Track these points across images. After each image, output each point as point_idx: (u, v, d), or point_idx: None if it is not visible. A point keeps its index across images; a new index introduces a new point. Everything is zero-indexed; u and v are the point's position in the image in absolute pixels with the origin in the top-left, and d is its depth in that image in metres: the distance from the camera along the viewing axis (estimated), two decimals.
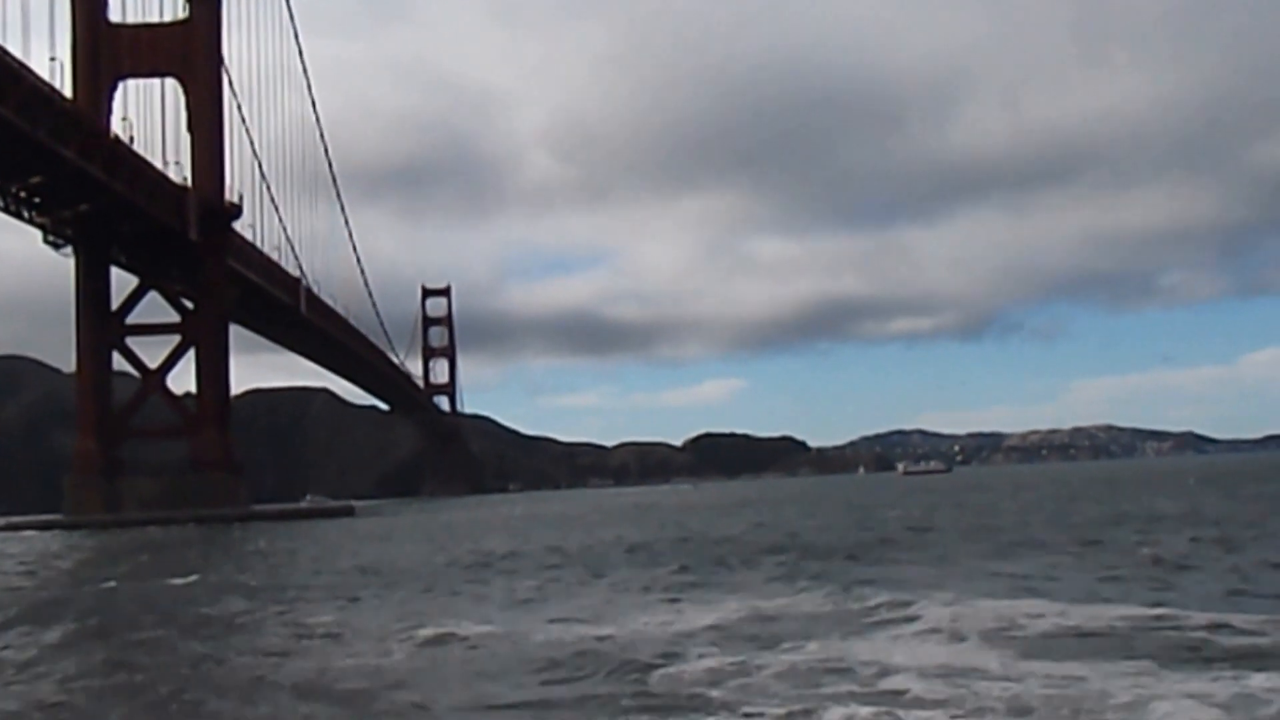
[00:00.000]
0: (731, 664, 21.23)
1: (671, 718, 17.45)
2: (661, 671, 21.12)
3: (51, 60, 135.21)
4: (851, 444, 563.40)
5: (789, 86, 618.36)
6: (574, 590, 38.49)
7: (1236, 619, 23.46)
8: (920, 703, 17.33)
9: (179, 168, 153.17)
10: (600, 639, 25.57)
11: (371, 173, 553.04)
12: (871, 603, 29.23)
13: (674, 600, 33.27)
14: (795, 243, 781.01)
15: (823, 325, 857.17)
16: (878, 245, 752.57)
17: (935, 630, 24.34)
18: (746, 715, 17.18)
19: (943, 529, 63.33)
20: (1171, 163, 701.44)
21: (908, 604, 28.21)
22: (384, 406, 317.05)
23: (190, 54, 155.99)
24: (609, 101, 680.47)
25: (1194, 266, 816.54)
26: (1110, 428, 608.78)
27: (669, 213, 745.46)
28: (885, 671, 19.78)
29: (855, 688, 18.70)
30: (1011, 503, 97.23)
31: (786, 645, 23.11)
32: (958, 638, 23.24)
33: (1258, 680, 17.53)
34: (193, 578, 51.06)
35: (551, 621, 29.31)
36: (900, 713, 16.64)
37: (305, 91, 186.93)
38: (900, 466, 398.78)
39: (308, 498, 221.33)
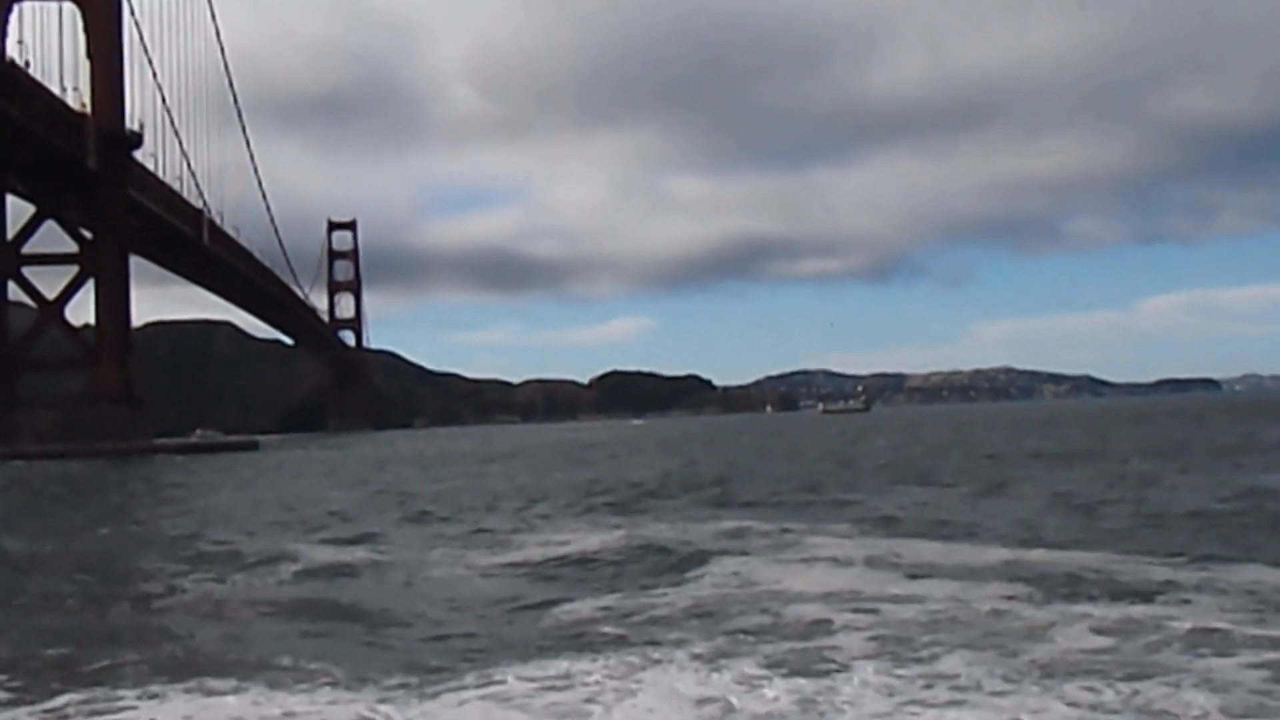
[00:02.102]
0: None
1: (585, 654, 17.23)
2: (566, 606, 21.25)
3: None
4: (757, 383, 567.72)
5: (712, 25, 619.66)
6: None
7: (1120, 558, 24.00)
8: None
9: (78, 94, 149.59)
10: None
11: (290, 103, 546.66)
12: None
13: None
14: (712, 182, 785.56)
15: (735, 265, 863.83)
16: (793, 186, 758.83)
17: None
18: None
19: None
20: (1084, 110, 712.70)
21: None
22: (288, 341, 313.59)
23: None
24: (531, 34, 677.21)
25: (1100, 213, 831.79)
26: (1009, 370, 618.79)
27: (587, 149, 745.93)
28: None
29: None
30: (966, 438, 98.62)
31: None
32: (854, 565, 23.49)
33: (1140, 610, 17.98)
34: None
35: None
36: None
37: (210, 18, 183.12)
38: (820, 405, 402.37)
39: (198, 432, 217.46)
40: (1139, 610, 17.94)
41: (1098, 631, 16.61)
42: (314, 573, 27.19)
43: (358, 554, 30.10)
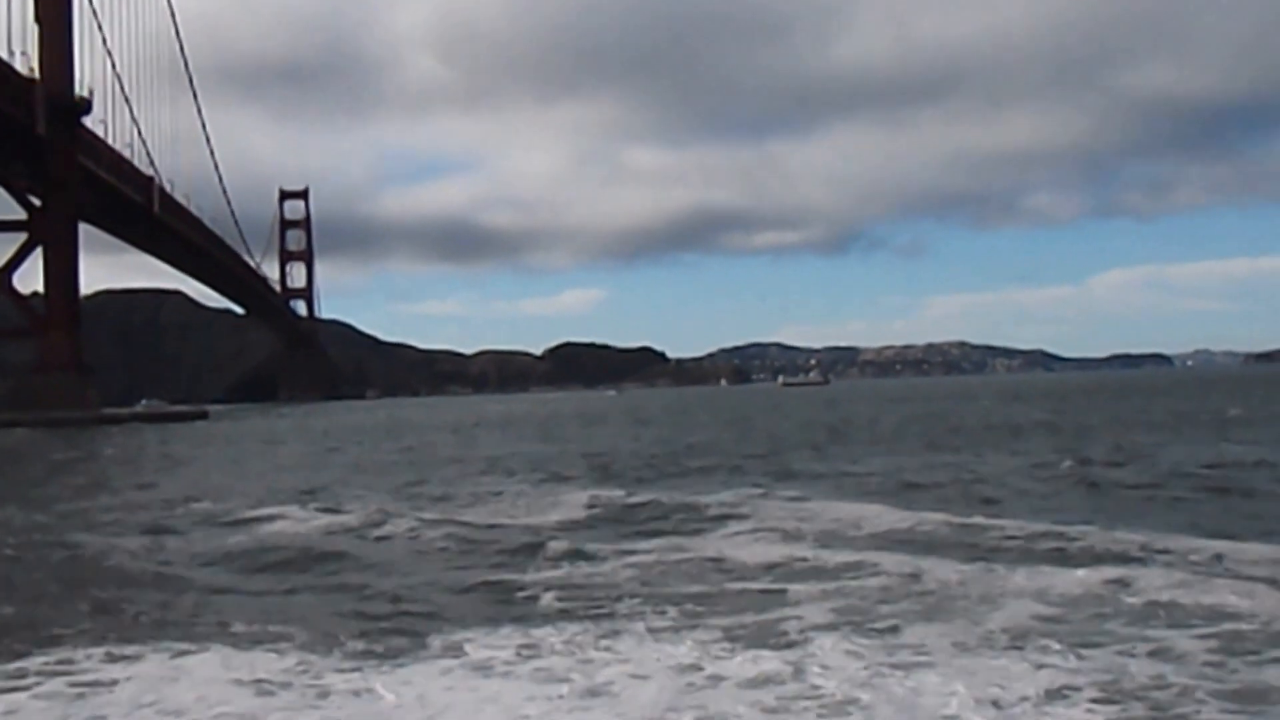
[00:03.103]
0: None
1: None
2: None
3: None
4: (710, 356, 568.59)
5: None
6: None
7: (1071, 528, 24.33)
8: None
9: (26, 59, 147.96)
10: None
11: (250, 71, 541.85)
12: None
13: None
14: (671, 153, 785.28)
15: (691, 237, 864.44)
16: (752, 158, 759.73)
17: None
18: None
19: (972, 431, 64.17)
20: (1046, 84, 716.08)
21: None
22: (239, 310, 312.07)
23: None
24: (492, 3, 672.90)
25: (1058, 188, 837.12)
26: (963, 344, 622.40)
27: (547, 119, 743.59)
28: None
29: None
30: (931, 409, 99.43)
31: None
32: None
33: (1082, 574, 18.48)
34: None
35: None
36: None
37: None
38: (780, 379, 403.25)
39: (143, 402, 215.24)
40: (1093, 578, 18.23)
41: (1052, 601, 16.89)
42: (274, 537, 27.49)
43: (320, 520, 30.30)
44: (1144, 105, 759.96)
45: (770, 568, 20.82)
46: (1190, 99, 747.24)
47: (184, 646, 15.69)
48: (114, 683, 14.02)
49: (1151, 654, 13.93)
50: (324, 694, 13.33)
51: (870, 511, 27.76)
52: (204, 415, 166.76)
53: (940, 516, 26.35)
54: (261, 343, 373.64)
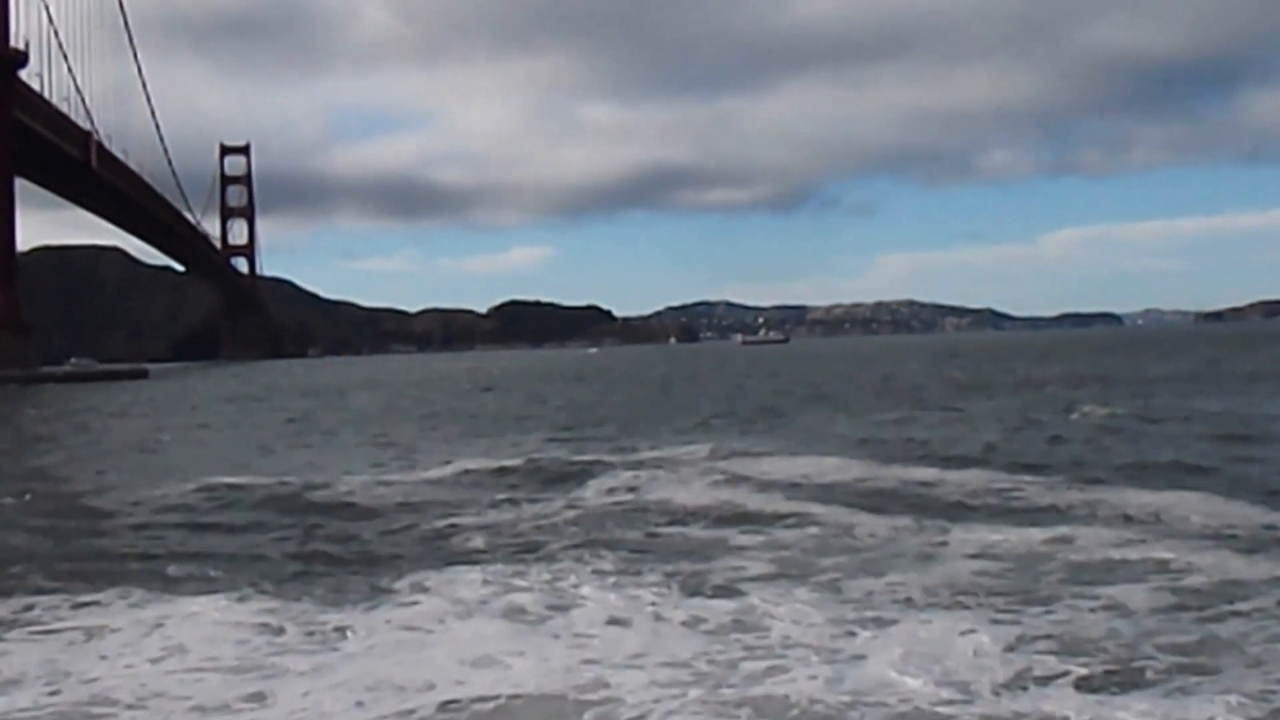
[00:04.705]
0: None
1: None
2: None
3: None
4: (657, 314, 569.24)
5: None
6: None
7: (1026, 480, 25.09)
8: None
9: None
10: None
11: (199, 23, 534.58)
12: None
13: None
14: (624, 110, 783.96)
15: (642, 194, 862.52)
16: (705, 115, 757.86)
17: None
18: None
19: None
20: (1003, 42, 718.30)
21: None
22: (179, 267, 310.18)
23: None
24: None
25: (1012, 146, 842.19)
26: (912, 303, 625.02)
27: (500, 74, 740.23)
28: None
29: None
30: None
31: None
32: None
33: (1036, 533, 18.67)
34: None
35: None
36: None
37: None
38: (740, 337, 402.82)
39: (71, 360, 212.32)
40: (1038, 533, 18.54)
41: (1000, 556, 17.15)
42: (232, 490, 27.80)
43: (271, 476, 30.22)
44: (1102, 63, 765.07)
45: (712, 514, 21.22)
46: (1148, 57, 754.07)
47: (177, 589, 16.52)
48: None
49: (1102, 609, 13.98)
50: (308, 635, 13.76)
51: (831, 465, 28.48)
52: (143, 374, 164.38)
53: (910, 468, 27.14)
54: (202, 300, 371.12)
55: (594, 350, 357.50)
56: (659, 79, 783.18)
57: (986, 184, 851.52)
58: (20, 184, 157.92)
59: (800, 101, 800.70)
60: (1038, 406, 49.00)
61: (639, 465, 30.12)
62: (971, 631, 12.79)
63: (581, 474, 28.68)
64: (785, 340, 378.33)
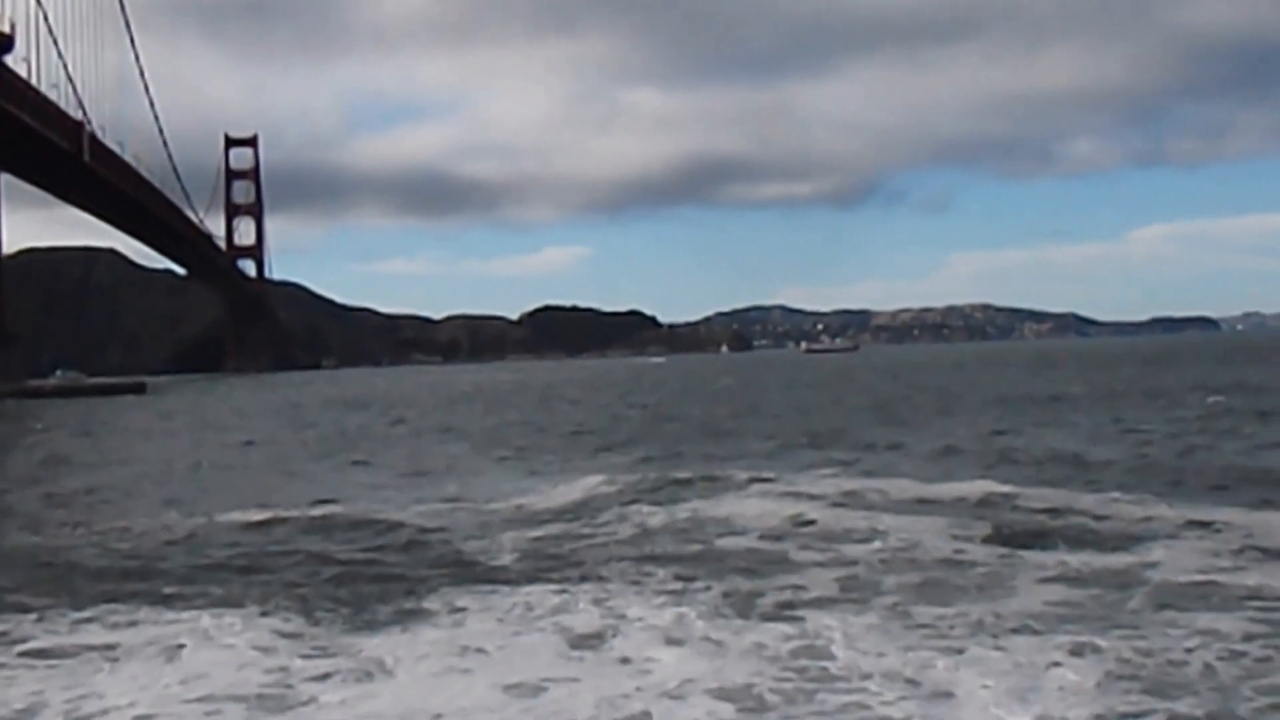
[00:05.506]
0: None
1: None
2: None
3: None
4: (705, 320, 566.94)
5: None
6: None
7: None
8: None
9: None
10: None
11: (208, 5, 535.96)
12: None
13: None
14: (671, 95, 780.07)
15: (690, 188, 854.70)
16: (761, 100, 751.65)
17: None
18: None
19: None
20: (1087, 21, 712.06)
21: None
22: (180, 270, 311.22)
23: None
24: None
25: (1098, 134, 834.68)
26: (987, 307, 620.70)
27: (536, 57, 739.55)
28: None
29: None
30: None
31: None
32: None
33: (1100, 560, 18.86)
34: None
35: None
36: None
37: None
38: (804, 345, 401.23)
39: (58, 373, 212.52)
40: (1117, 559, 18.76)
41: (1072, 581, 17.30)
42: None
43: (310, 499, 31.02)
44: (1197, 43, 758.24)
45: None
46: (1248, 36, 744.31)
47: (177, 611, 17.22)
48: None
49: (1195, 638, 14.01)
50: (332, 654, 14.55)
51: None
52: (141, 389, 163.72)
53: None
54: (205, 307, 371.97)
55: (660, 360, 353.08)
56: (711, 62, 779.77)
57: (1069, 176, 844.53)
58: (5, 179, 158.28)
59: (865, 86, 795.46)
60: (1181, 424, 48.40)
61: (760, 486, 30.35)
62: (1056, 665, 12.97)
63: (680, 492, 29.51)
64: (855, 348, 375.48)
